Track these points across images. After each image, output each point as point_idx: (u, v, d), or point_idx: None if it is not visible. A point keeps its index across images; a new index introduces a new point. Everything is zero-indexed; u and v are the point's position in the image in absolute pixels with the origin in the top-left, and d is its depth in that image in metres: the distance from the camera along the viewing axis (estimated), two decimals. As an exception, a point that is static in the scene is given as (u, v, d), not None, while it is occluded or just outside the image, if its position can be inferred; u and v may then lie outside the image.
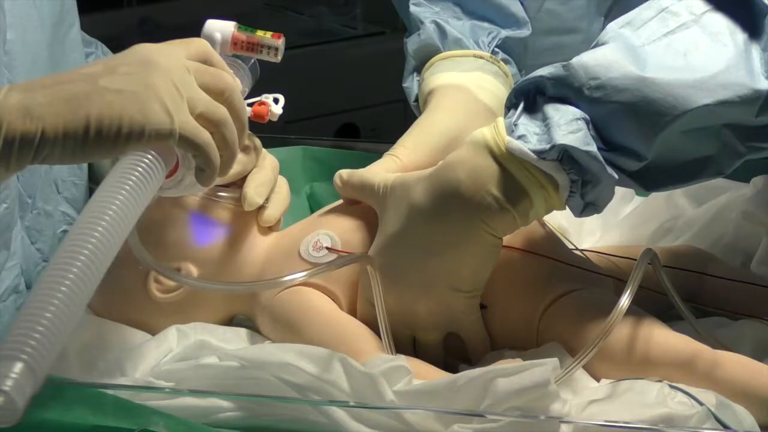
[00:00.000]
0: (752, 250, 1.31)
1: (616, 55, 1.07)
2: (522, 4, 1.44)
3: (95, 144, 0.93)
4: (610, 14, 1.49)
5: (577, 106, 1.08)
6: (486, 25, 1.39)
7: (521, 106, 1.10)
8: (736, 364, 1.06)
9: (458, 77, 1.31)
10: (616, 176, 1.08)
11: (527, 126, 1.08)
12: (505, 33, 1.38)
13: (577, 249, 1.23)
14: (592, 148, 1.06)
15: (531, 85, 1.10)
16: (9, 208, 1.17)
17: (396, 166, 1.20)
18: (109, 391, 1.00)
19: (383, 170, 1.19)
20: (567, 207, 1.10)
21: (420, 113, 1.31)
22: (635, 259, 1.10)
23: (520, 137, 1.07)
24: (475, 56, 1.34)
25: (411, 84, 1.38)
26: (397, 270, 1.12)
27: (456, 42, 1.35)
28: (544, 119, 1.08)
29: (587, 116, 1.07)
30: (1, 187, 1.18)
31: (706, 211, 1.37)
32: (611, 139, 1.08)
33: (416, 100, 1.36)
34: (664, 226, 1.38)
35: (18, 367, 0.78)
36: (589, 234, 1.37)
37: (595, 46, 1.10)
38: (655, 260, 1.11)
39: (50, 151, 0.93)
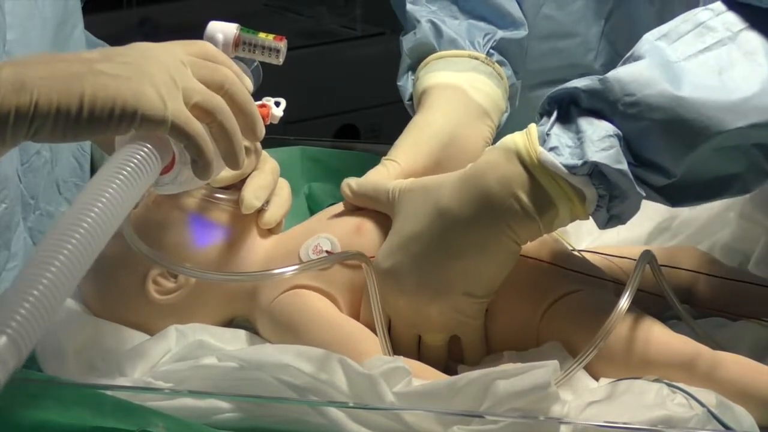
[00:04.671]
0: (750, 251, 1.31)
1: (653, 71, 1.07)
2: (519, 6, 1.44)
3: (87, 123, 0.93)
4: (611, 17, 1.49)
5: (610, 121, 1.08)
6: (483, 25, 1.39)
7: (554, 114, 1.10)
8: (737, 364, 1.06)
9: (452, 77, 1.31)
10: (644, 194, 1.08)
11: (560, 137, 1.08)
12: (501, 34, 1.38)
13: (575, 250, 1.23)
14: (623, 166, 1.06)
15: (565, 94, 1.10)
16: (9, 209, 1.17)
17: (396, 171, 1.21)
18: (108, 392, 1.00)
19: (386, 176, 1.19)
20: (591, 218, 1.10)
21: (414, 112, 1.31)
22: (634, 259, 1.11)
23: (552, 149, 1.07)
24: (470, 57, 1.34)
25: (405, 83, 1.38)
26: (413, 271, 1.12)
27: (451, 42, 1.35)
28: (578, 132, 1.08)
29: (620, 132, 1.07)
30: (0, 187, 1.18)
31: (704, 211, 1.37)
32: (642, 154, 1.08)
33: (410, 99, 1.36)
34: (662, 225, 1.38)
35: (1, 340, 0.77)
36: (587, 234, 1.36)
37: (629, 58, 1.10)
38: (653, 262, 1.11)
39: (42, 124, 0.92)
